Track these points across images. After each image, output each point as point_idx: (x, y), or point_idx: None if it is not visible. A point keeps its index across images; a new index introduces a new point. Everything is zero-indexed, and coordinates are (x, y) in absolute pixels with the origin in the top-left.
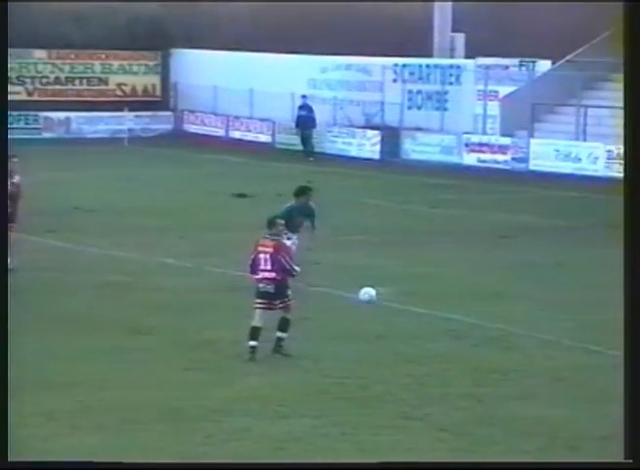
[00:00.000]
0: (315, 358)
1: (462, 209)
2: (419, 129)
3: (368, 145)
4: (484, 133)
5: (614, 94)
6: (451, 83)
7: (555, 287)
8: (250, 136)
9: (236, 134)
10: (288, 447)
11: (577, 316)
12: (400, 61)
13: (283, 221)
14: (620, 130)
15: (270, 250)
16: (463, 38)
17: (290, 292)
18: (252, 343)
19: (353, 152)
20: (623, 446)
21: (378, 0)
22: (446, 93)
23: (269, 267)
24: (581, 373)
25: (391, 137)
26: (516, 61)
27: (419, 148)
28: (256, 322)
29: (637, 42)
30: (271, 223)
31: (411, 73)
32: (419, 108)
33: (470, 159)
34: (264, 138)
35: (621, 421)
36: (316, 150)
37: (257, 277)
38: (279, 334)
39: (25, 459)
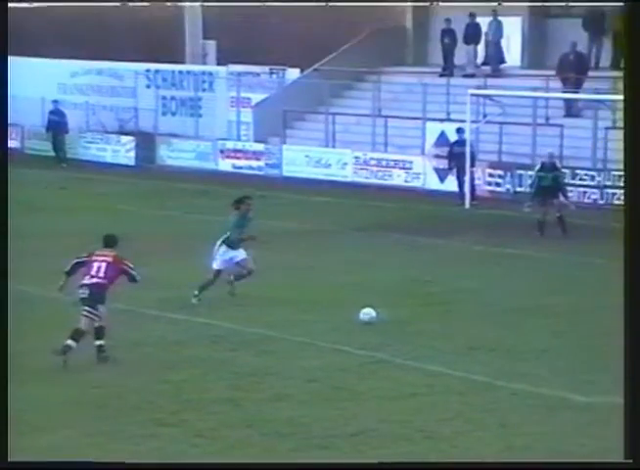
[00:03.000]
0: (71, 368)
1: (217, 214)
2: (174, 135)
3: (123, 151)
4: (239, 140)
5: (359, 102)
6: (204, 90)
7: (308, 290)
8: None
9: None
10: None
11: (329, 318)
12: (153, 66)
13: (115, 238)
14: (366, 137)
15: (109, 259)
16: (214, 45)
17: (102, 309)
18: (69, 341)
19: (108, 158)
20: (623, 447)
21: (127, 0)
22: (200, 100)
23: (101, 274)
24: (332, 373)
25: (146, 143)
26: (266, 68)
27: (174, 154)
28: (81, 325)
29: (637, 42)
30: (110, 240)
31: (164, 79)
32: (173, 114)
33: (225, 165)
34: (13, 144)
35: (370, 418)
36: (69, 156)
37: (81, 283)
38: (68, 342)
39: (25, 459)
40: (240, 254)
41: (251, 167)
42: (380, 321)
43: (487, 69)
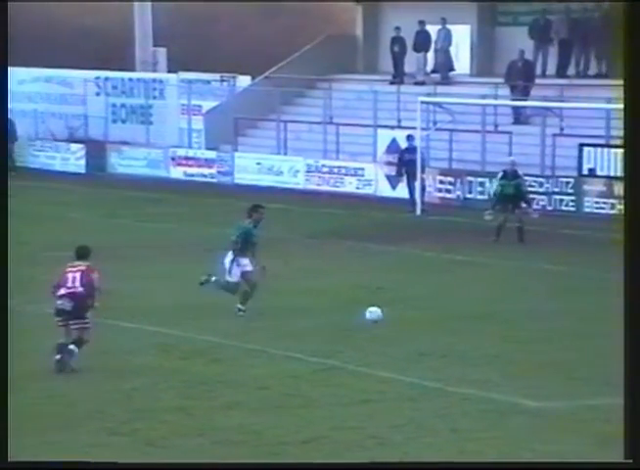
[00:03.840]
0: (20, 377)
1: (170, 222)
2: (125, 143)
3: (73, 159)
4: (190, 147)
5: (310, 110)
6: (155, 97)
7: (260, 297)
8: None
9: None
10: None
11: (281, 325)
12: (103, 74)
13: (88, 249)
14: (317, 145)
15: (83, 268)
16: (165, 53)
17: (89, 315)
18: (58, 356)
19: (57, 166)
20: (623, 447)
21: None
22: (151, 107)
23: (77, 284)
24: (284, 380)
25: (97, 151)
26: (217, 76)
27: (125, 162)
28: (61, 339)
29: (637, 42)
30: (83, 252)
31: (114, 87)
32: (124, 121)
33: (176, 172)
34: None
35: (322, 425)
36: (18, 164)
37: (58, 294)
38: (71, 347)
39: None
40: (248, 264)
41: (202, 175)
42: (377, 321)
43: (437, 76)
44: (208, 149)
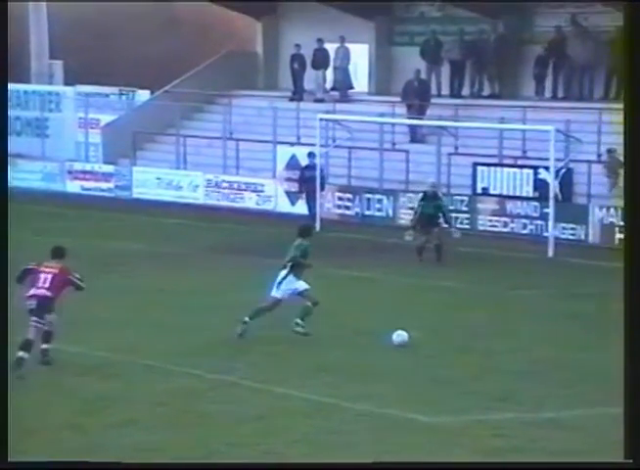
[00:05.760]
0: None
1: (67, 237)
2: (19, 156)
3: None
4: (88, 161)
5: (210, 125)
6: (51, 110)
7: (158, 312)
8: None
9: None
10: None
11: (178, 341)
12: None
13: (63, 249)
14: (217, 160)
15: (55, 270)
16: (61, 65)
17: (50, 317)
18: (21, 353)
19: None
20: (623, 447)
21: None
22: (47, 120)
23: (47, 285)
24: (181, 397)
25: None
26: (115, 89)
27: (20, 175)
28: (30, 335)
29: (637, 42)
30: (58, 252)
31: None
32: (19, 134)
33: (73, 186)
34: None
35: (218, 442)
36: None
37: (28, 294)
38: (20, 354)
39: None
40: (303, 284)
41: (100, 189)
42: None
43: (336, 94)
44: (106, 163)
